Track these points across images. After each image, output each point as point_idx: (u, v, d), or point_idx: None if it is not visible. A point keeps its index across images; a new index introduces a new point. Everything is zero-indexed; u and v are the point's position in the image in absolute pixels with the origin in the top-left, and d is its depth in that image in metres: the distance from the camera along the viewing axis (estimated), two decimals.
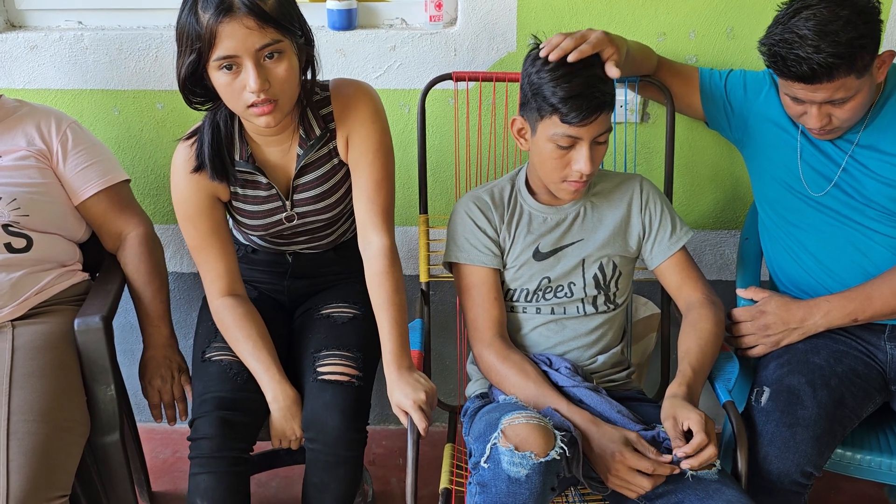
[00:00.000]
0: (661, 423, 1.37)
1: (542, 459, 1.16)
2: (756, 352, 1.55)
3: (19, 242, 1.49)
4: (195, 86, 1.35)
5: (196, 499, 1.40)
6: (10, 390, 1.32)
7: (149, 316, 1.61)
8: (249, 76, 1.28)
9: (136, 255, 1.61)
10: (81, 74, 1.85)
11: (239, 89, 1.30)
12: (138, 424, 1.86)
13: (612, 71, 1.38)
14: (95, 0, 1.85)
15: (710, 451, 1.26)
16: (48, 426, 1.30)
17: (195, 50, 1.28)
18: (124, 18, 1.86)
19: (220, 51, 1.27)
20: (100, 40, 1.82)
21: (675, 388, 1.36)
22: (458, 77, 1.67)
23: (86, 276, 1.59)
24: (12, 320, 1.43)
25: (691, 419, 1.27)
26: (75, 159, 1.60)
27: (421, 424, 1.32)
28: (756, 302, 1.59)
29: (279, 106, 1.33)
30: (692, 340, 1.43)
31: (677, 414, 1.30)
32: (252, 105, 1.31)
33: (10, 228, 1.49)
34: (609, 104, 1.38)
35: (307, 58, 1.39)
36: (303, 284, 1.66)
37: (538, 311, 1.52)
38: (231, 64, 1.29)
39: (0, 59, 1.84)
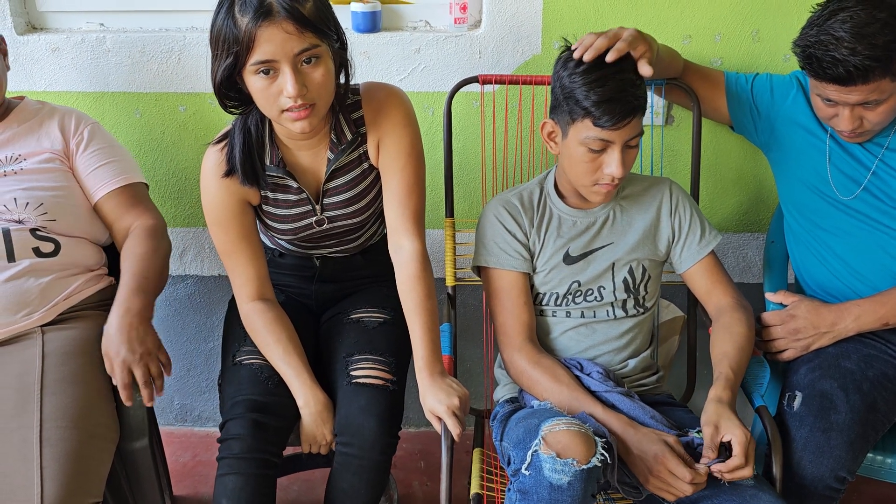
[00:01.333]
0: (693, 428, 1.36)
1: (584, 466, 1.15)
2: (786, 356, 1.54)
3: (47, 247, 1.48)
4: (230, 89, 1.34)
5: (222, 500, 1.38)
6: (41, 396, 1.31)
7: (126, 286, 1.44)
8: (287, 81, 1.27)
9: (136, 237, 1.54)
10: (103, 77, 1.85)
11: (276, 94, 1.29)
12: (159, 428, 1.85)
13: (646, 69, 1.38)
14: (117, 2, 1.84)
15: (745, 472, 1.26)
16: (80, 432, 1.29)
17: (232, 54, 1.27)
18: (146, 20, 1.85)
19: (257, 55, 1.26)
20: (122, 42, 1.81)
21: (719, 391, 1.35)
22: (484, 80, 1.67)
23: (111, 280, 1.58)
24: (41, 326, 1.42)
25: (735, 436, 1.27)
26: (90, 158, 1.59)
27: (455, 430, 1.32)
28: (785, 306, 1.58)
29: (315, 111, 1.32)
30: (729, 344, 1.43)
31: (721, 423, 1.29)
32: (288, 110, 1.31)
33: (38, 233, 1.48)
34: (641, 108, 1.38)
35: (341, 62, 1.38)
36: (330, 288, 1.66)
37: (568, 314, 1.51)
38: (269, 69, 1.28)
39: (22, 61, 1.83)
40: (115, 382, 1.38)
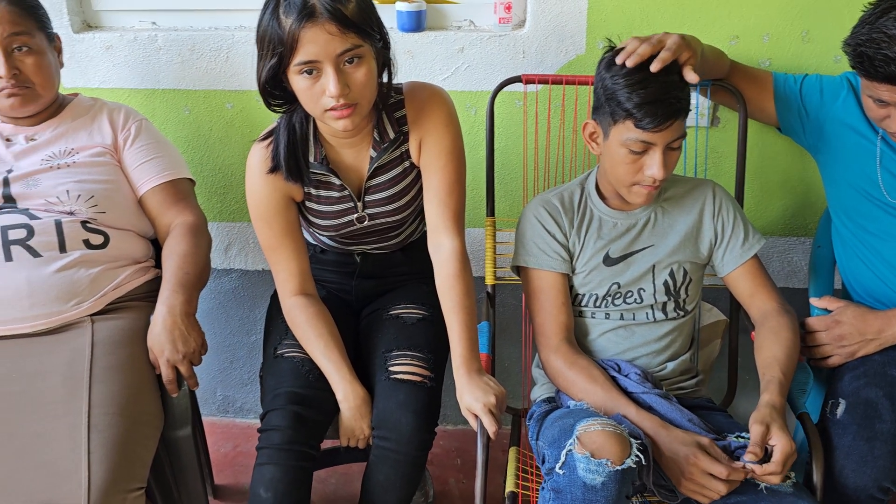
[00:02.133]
0: (731, 433, 1.35)
1: (619, 467, 1.15)
2: (831, 362, 1.52)
3: (97, 239, 1.53)
4: (274, 88, 1.37)
5: (260, 489, 1.41)
6: (90, 384, 1.35)
7: (168, 283, 1.49)
8: (329, 81, 1.29)
9: (177, 235, 1.58)
10: (154, 74, 1.89)
11: (318, 94, 1.31)
12: (202, 418, 1.89)
13: (691, 76, 1.37)
14: (169, 1, 1.89)
15: (774, 479, 1.25)
16: (126, 419, 1.33)
17: (276, 54, 1.29)
18: (197, 19, 1.90)
19: (301, 56, 1.28)
20: (173, 41, 1.86)
21: (773, 396, 1.33)
22: (527, 79, 1.66)
23: (158, 272, 1.62)
24: (91, 315, 1.47)
25: (781, 443, 1.25)
26: (136, 154, 1.63)
27: (491, 428, 1.32)
28: (830, 311, 1.55)
29: (357, 110, 1.34)
30: (778, 348, 1.41)
31: (771, 427, 1.27)
32: (331, 109, 1.32)
33: (88, 225, 1.53)
34: (684, 110, 1.37)
35: (384, 61, 1.40)
36: (370, 284, 1.68)
37: (607, 316, 1.51)
38: (312, 69, 1.30)
39: (77, 58, 1.89)
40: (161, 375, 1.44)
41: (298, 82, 1.32)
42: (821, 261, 1.71)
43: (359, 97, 1.33)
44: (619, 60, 1.36)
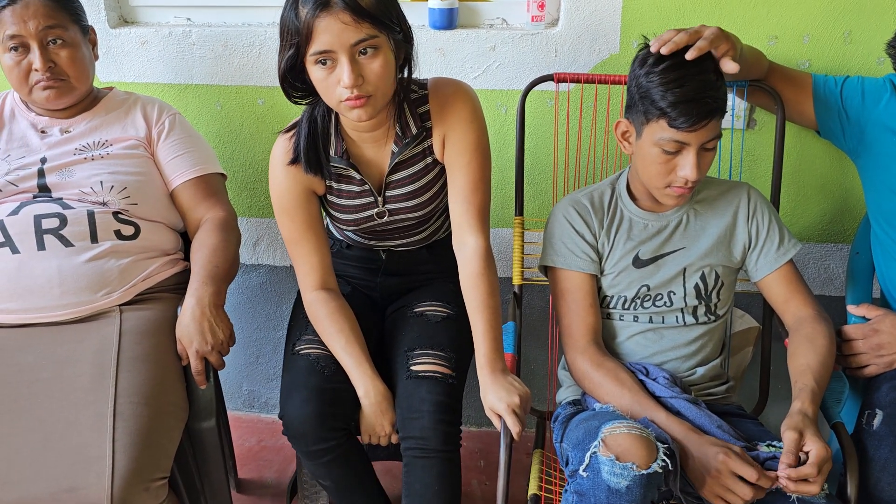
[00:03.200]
0: (762, 441, 1.32)
1: (644, 472, 1.12)
2: (868, 372, 1.47)
3: (128, 230, 1.54)
4: (296, 80, 1.38)
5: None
6: (117, 373, 1.36)
7: (197, 275, 1.49)
8: (344, 71, 1.29)
9: (207, 230, 1.59)
10: (187, 69, 1.91)
11: (334, 84, 1.31)
12: (227, 413, 1.90)
13: (730, 66, 1.34)
14: None
15: (813, 488, 1.21)
16: (152, 409, 1.34)
17: (294, 44, 1.30)
18: (230, 15, 1.91)
19: (316, 45, 1.28)
20: (206, 36, 1.87)
21: (805, 404, 1.29)
22: (559, 78, 1.65)
23: (187, 264, 1.63)
24: (120, 305, 1.48)
25: (815, 449, 1.22)
26: (170, 147, 1.64)
27: (515, 429, 1.30)
28: (868, 320, 1.51)
29: (372, 101, 1.34)
30: (812, 356, 1.37)
31: (805, 433, 1.24)
32: (345, 99, 1.32)
33: (120, 216, 1.55)
34: (720, 110, 1.34)
35: (405, 55, 1.39)
36: (395, 282, 1.67)
37: (636, 319, 1.48)
38: (326, 59, 1.30)
39: (113, 53, 1.91)
40: (188, 365, 1.45)
41: (315, 72, 1.32)
42: (859, 268, 1.66)
43: (373, 88, 1.32)
44: (653, 48, 1.33)
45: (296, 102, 1.44)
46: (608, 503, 1.13)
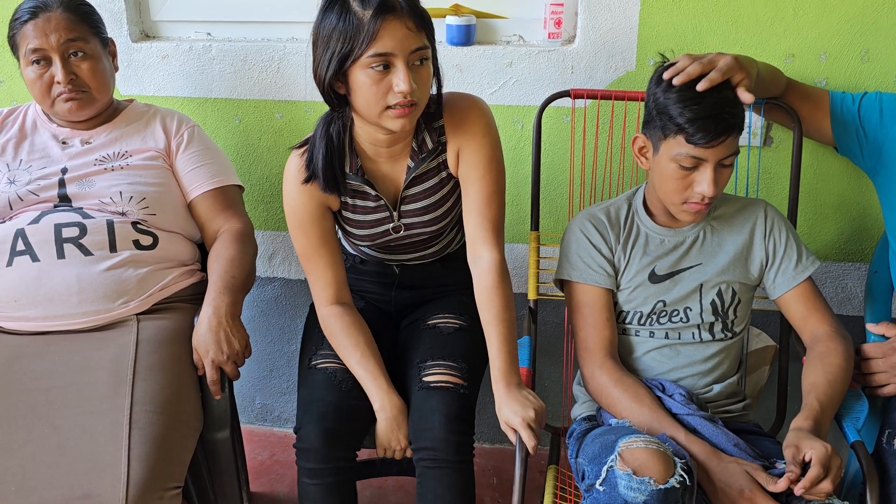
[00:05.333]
0: (780, 459, 1.30)
1: (662, 486, 1.12)
2: (888, 391, 1.46)
3: (146, 240, 1.56)
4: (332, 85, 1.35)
5: (307, 502, 1.46)
6: (133, 381, 1.37)
7: (214, 285, 1.51)
8: (401, 76, 1.29)
9: (224, 241, 1.60)
10: (207, 83, 1.93)
11: (385, 89, 1.31)
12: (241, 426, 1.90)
13: (746, 96, 1.35)
14: (223, 13, 1.93)
15: (826, 486, 1.20)
16: (167, 418, 1.34)
17: (349, 44, 1.28)
18: (250, 31, 1.93)
19: (377, 47, 1.28)
20: (226, 51, 1.90)
21: (800, 421, 1.30)
22: (576, 94, 1.66)
23: (203, 275, 1.64)
24: (137, 314, 1.49)
25: (815, 449, 1.22)
26: (188, 159, 1.66)
27: (530, 443, 1.30)
28: (888, 338, 1.50)
29: (415, 110, 1.35)
30: (820, 374, 1.36)
31: (801, 444, 1.24)
32: (393, 106, 1.32)
33: (139, 226, 1.56)
34: (738, 127, 1.35)
35: (436, 69, 1.40)
36: (409, 295, 1.67)
37: (651, 334, 1.48)
38: (385, 63, 1.29)
39: (134, 67, 1.94)
40: (203, 375, 1.45)
41: (364, 76, 1.30)
42: (878, 286, 1.65)
43: (421, 97, 1.34)
44: (666, 76, 1.35)
45: (336, 110, 1.41)
46: None
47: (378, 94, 1.32)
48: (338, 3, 1.30)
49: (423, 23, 1.29)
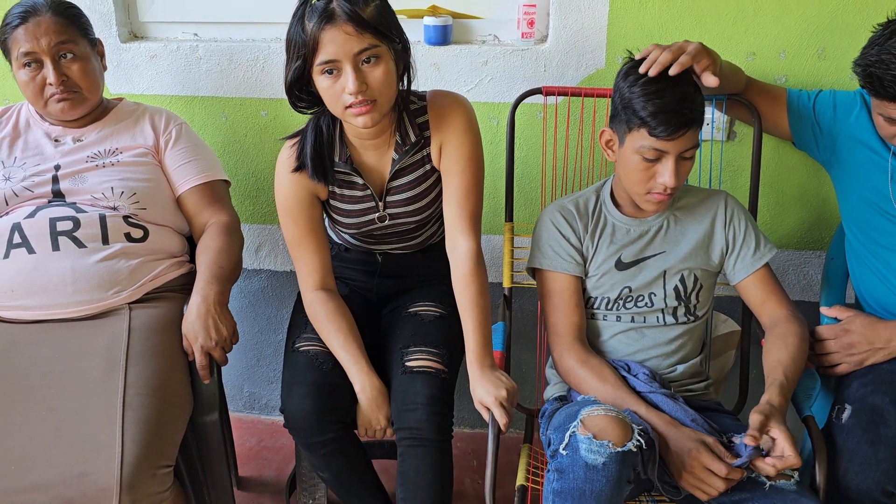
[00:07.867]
0: (737, 434, 1.38)
1: (620, 449, 1.20)
2: (839, 370, 1.54)
3: (137, 233, 1.62)
4: (301, 91, 1.47)
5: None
6: (126, 366, 1.43)
7: (203, 275, 1.57)
8: (348, 79, 1.38)
9: (212, 233, 1.67)
10: (194, 82, 2.00)
11: (339, 92, 1.40)
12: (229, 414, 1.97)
13: (711, 79, 1.42)
14: (210, 14, 1.99)
15: (795, 461, 1.28)
16: (158, 401, 1.41)
17: (301, 56, 1.40)
18: (235, 31, 2.00)
19: (322, 56, 1.38)
20: (212, 51, 1.96)
21: (774, 396, 1.36)
22: (547, 91, 1.73)
23: (192, 266, 1.70)
24: (129, 303, 1.56)
25: (782, 433, 1.29)
26: (177, 155, 1.73)
27: (502, 420, 1.38)
28: (840, 320, 1.58)
29: (376, 107, 1.42)
30: (783, 353, 1.44)
31: (771, 420, 1.31)
32: (350, 106, 1.41)
33: (130, 220, 1.63)
34: (698, 121, 1.42)
35: (405, 65, 1.48)
36: (391, 283, 1.74)
37: (618, 318, 1.56)
38: (332, 68, 1.39)
39: (123, 66, 2.00)
40: (193, 360, 1.51)
41: (321, 82, 1.41)
42: (834, 272, 1.74)
43: (377, 94, 1.41)
44: (642, 70, 1.41)
45: (301, 112, 1.53)
46: (586, 478, 1.20)
47: (335, 96, 1.41)
48: (297, 16, 1.40)
49: (364, 25, 1.36)
